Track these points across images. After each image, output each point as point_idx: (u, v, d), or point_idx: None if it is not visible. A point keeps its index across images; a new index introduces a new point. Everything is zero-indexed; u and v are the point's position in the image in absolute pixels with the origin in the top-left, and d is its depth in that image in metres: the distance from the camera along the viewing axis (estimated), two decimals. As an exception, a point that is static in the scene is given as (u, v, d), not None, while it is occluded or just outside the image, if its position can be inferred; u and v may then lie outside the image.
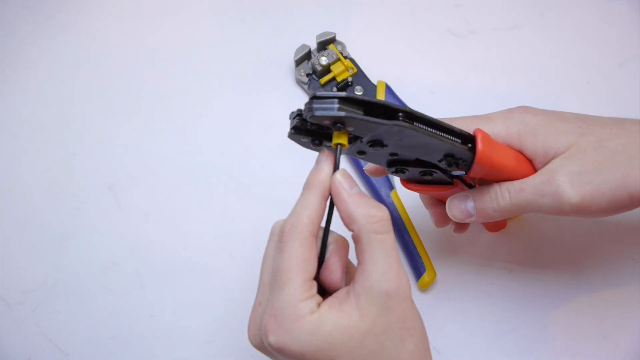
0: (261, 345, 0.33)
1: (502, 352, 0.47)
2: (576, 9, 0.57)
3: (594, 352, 0.46)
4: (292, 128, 0.34)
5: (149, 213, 0.51)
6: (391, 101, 0.53)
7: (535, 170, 0.39)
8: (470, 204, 0.39)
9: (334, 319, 0.31)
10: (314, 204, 0.33)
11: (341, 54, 0.54)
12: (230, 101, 0.55)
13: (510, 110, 0.40)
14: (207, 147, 0.54)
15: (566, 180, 0.36)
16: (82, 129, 0.54)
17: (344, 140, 0.33)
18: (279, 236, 0.33)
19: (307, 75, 0.54)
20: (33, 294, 0.49)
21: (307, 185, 0.34)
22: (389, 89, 0.53)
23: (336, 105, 0.31)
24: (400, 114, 0.32)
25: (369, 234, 0.32)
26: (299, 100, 0.55)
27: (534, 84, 0.55)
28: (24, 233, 0.51)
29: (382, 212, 0.32)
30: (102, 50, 0.57)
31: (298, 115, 0.33)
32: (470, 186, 0.40)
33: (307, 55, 0.54)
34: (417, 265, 0.48)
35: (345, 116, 0.31)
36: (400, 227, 0.49)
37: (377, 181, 0.50)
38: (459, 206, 0.40)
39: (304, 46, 0.54)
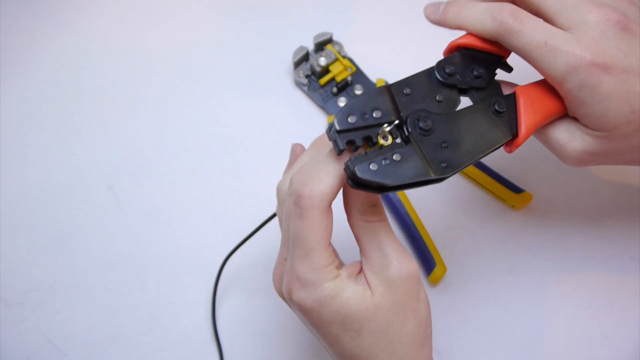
0: (284, 297, 0.35)
1: (502, 352, 0.47)
2: (576, 9, 0.57)
3: (594, 352, 0.46)
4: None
5: (149, 213, 0.51)
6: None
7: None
8: None
9: (353, 287, 0.33)
10: (339, 173, 0.32)
11: (339, 53, 0.54)
12: (231, 101, 0.55)
13: (579, 64, 0.33)
14: (207, 147, 0.54)
15: (577, 156, 0.36)
16: (82, 129, 0.54)
17: None
18: (297, 199, 0.32)
19: (307, 76, 0.54)
20: (33, 294, 0.49)
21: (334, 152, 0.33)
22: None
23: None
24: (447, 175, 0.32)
25: (361, 222, 0.33)
26: (299, 101, 0.55)
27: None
28: (24, 233, 0.51)
29: (378, 205, 0.34)
30: (102, 50, 0.57)
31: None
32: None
33: (305, 57, 0.54)
34: (427, 260, 0.48)
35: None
36: (408, 224, 0.49)
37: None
38: None
39: (301, 48, 0.54)
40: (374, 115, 0.32)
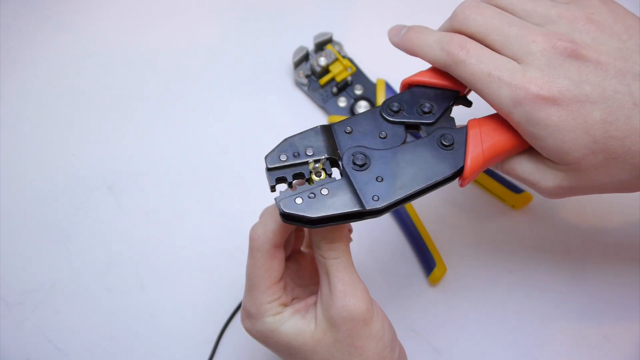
0: None
1: (502, 352, 0.47)
2: (576, 9, 0.57)
3: (594, 352, 0.46)
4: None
5: (149, 213, 0.51)
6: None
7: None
8: None
9: (293, 322, 0.35)
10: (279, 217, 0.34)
11: (339, 53, 0.54)
12: (231, 101, 0.55)
13: (523, 97, 0.32)
14: (207, 148, 0.54)
15: (555, 192, 0.35)
16: (82, 129, 0.54)
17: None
18: (249, 240, 0.36)
19: (307, 76, 0.54)
20: (33, 294, 0.49)
21: None
22: (389, 87, 0.53)
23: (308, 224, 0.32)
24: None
25: (318, 256, 0.35)
26: (299, 101, 0.55)
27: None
28: (24, 233, 0.51)
29: (337, 243, 0.35)
30: (102, 50, 0.57)
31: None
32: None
33: (305, 57, 0.54)
34: (427, 260, 0.48)
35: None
36: (408, 224, 0.49)
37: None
38: None
39: (301, 48, 0.54)
40: (307, 152, 0.34)
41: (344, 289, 0.34)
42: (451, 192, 0.51)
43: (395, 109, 0.36)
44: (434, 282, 0.48)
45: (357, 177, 0.33)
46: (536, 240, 0.49)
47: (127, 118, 0.55)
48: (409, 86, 0.37)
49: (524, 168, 0.36)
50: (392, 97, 0.36)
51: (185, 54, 0.57)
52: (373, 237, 0.50)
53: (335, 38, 0.55)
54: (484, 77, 0.33)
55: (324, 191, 0.32)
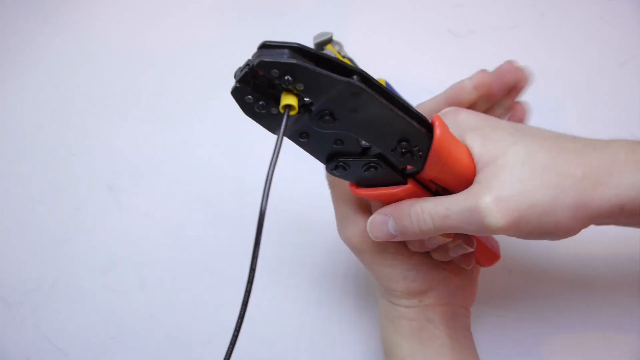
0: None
1: (502, 352, 0.47)
2: (576, 9, 0.57)
3: (594, 352, 0.46)
4: (238, 81, 0.31)
5: (149, 213, 0.51)
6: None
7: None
8: (391, 224, 0.36)
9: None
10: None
11: (339, 53, 0.54)
12: (230, 101, 0.55)
13: (444, 112, 0.37)
14: (207, 147, 0.54)
15: (493, 209, 0.33)
16: (82, 129, 0.54)
17: (293, 101, 0.30)
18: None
19: (307, 75, 0.54)
20: (33, 294, 0.49)
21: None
22: (389, 87, 0.53)
23: (286, 52, 0.29)
24: (355, 76, 0.30)
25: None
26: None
27: (534, 84, 0.55)
28: (24, 233, 0.51)
29: None
30: (101, 50, 0.57)
31: (247, 66, 0.31)
32: (427, 188, 0.36)
33: (306, 57, 0.54)
34: None
35: (297, 63, 0.29)
36: None
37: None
38: (379, 226, 0.36)
39: (301, 48, 0.54)
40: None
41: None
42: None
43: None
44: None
45: None
46: (536, 240, 0.49)
47: (127, 118, 0.55)
48: None
49: (459, 202, 0.34)
50: None
51: (185, 54, 0.57)
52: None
53: (335, 38, 0.55)
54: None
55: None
